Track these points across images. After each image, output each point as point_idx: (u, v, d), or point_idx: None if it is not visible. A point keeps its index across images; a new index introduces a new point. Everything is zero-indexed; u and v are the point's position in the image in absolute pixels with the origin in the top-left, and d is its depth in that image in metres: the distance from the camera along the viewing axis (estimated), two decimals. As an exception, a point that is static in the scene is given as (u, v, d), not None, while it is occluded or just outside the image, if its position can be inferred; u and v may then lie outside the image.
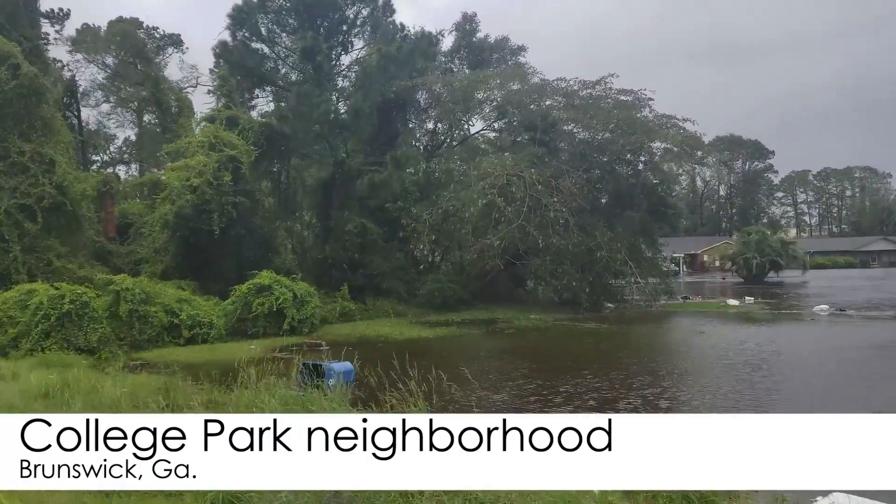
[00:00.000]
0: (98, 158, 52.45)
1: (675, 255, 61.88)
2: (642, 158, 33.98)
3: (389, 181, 28.57)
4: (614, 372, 16.26)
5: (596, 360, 18.67)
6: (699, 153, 34.90)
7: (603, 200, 34.40)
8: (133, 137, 55.89)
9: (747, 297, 37.86)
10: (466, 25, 38.15)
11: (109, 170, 45.94)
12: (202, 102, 46.19)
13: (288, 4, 31.91)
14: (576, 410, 11.96)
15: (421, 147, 37.37)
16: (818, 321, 27.89)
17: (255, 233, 29.79)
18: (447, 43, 37.99)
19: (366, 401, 8.87)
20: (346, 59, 34.23)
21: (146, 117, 52.76)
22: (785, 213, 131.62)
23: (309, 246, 35.51)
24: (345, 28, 32.77)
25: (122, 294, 20.91)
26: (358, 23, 33.05)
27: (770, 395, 13.84)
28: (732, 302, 35.67)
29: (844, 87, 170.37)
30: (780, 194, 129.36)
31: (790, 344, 21.53)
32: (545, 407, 12.52)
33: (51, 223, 25.38)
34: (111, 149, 57.47)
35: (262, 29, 31.70)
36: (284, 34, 32.70)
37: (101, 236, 29.99)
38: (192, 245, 27.30)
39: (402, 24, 34.10)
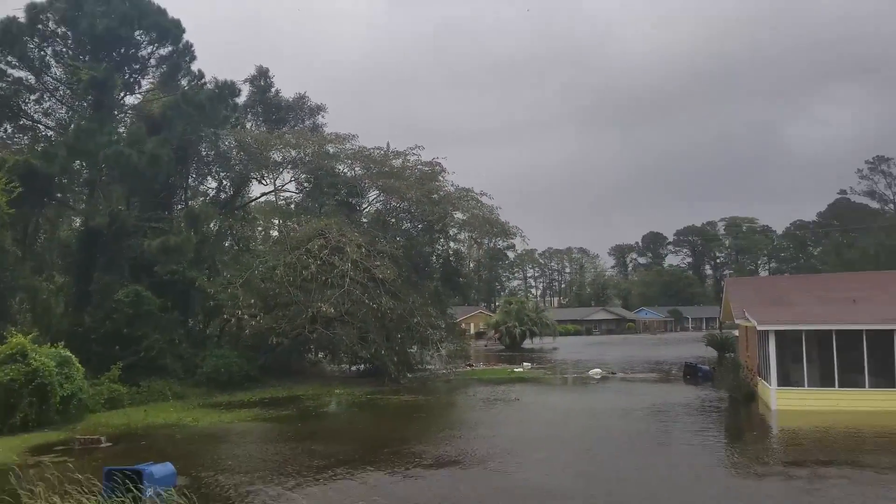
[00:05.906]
0: None
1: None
2: (437, 227, 34.54)
3: (185, 243, 24.52)
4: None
5: (461, 432, 17.84)
6: (496, 229, 36.70)
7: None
8: None
9: (525, 363, 40.91)
10: (261, 80, 36.01)
11: None
12: None
13: (68, 32, 26.36)
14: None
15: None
16: (602, 384, 30.37)
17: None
18: (240, 97, 35.19)
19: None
20: (130, 100, 29.37)
21: None
22: (518, 286, 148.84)
23: (58, 314, 28.86)
24: (136, 66, 28.13)
25: None
26: (152, 62, 28.62)
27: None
28: (518, 369, 37.63)
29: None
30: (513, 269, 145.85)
31: (602, 404, 22.77)
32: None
33: None
34: None
35: (31, 54, 25.48)
36: (58, 64, 26.90)
37: None
38: None
39: (199, 70, 30.53)
